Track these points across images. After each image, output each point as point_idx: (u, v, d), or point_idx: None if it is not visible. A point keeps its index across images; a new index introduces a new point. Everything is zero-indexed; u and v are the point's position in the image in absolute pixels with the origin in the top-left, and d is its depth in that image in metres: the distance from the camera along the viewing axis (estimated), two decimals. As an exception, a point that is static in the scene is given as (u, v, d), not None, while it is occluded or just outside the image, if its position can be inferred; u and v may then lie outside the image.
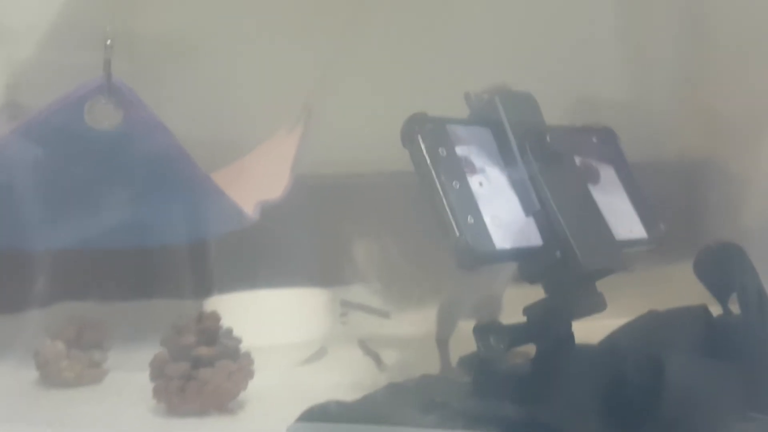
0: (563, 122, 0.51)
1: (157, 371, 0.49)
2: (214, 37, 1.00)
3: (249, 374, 0.50)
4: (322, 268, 0.94)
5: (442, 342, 0.61)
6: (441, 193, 0.39)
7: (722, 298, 0.46)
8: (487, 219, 0.40)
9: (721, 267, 0.47)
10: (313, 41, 1.00)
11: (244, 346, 0.53)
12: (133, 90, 0.56)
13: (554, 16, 0.93)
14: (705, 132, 0.93)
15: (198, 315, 0.49)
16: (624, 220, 0.46)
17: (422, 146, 0.40)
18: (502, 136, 0.43)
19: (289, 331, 0.67)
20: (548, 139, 0.42)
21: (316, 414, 0.41)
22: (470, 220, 0.39)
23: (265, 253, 0.91)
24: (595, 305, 0.43)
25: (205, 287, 0.75)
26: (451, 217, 0.38)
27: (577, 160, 0.46)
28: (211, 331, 0.48)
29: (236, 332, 0.58)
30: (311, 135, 0.94)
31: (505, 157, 0.43)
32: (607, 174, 0.49)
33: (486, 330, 0.40)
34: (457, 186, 0.40)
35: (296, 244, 0.98)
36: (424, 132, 0.40)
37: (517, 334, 0.41)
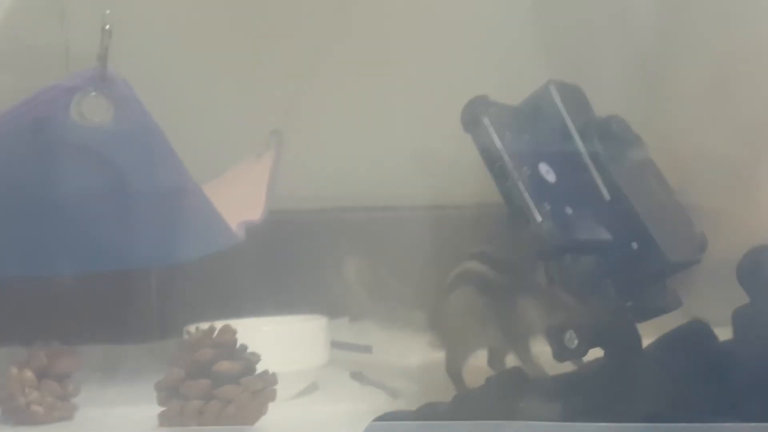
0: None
1: (170, 393, 0.41)
2: (178, 57, 0.96)
3: (271, 395, 0.44)
4: (306, 301, 0.89)
5: (455, 373, 0.56)
6: (516, 177, 0.36)
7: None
8: (560, 207, 0.37)
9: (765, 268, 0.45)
10: (281, 65, 0.97)
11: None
12: (129, 84, 0.50)
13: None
14: (669, 170, 0.94)
15: (209, 328, 0.43)
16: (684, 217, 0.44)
17: (490, 128, 0.37)
18: (559, 125, 0.41)
19: (275, 362, 0.61)
20: (614, 127, 0.40)
21: (391, 416, 0.36)
22: (547, 206, 0.36)
23: (244, 279, 0.85)
24: (670, 302, 0.40)
25: (184, 313, 0.68)
26: (530, 202, 0.35)
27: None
28: (229, 345, 0.42)
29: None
30: (284, 162, 0.91)
31: (566, 147, 0.40)
32: (648, 173, 0.47)
33: (560, 329, 0.37)
34: (529, 172, 0.37)
35: (274, 274, 0.92)
36: (491, 114, 0.37)
37: (592, 335, 0.37)
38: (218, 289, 0.85)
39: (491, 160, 0.36)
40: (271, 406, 0.50)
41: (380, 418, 0.37)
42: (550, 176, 0.38)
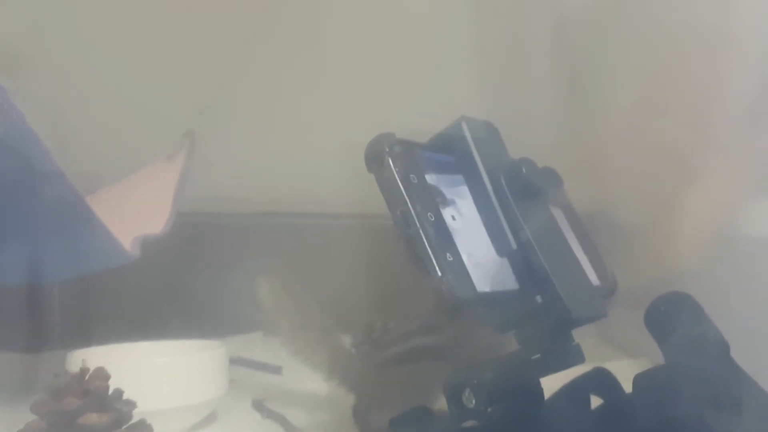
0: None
1: (28, 449, 0.37)
2: (82, 51, 0.90)
3: (148, 446, 0.40)
4: (207, 317, 0.84)
5: (360, 414, 0.54)
6: (418, 224, 0.33)
7: (671, 353, 0.44)
8: (464, 257, 0.34)
9: (673, 319, 0.45)
10: (199, 62, 0.92)
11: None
12: (7, 92, 0.45)
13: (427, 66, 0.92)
14: (592, 185, 0.95)
15: (80, 371, 0.38)
16: (585, 267, 0.43)
17: (394, 171, 0.34)
18: (469, 166, 0.39)
19: (170, 394, 0.56)
20: (524, 171, 0.38)
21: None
22: (449, 257, 0.33)
23: (139, 298, 0.80)
24: (573, 357, 0.38)
25: (68, 337, 0.63)
26: (431, 253, 0.33)
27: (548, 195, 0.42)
28: (99, 393, 0.37)
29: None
30: (194, 165, 0.86)
31: (475, 190, 0.38)
32: (560, 217, 0.46)
33: (457, 387, 0.35)
34: (432, 218, 0.34)
35: (174, 289, 0.87)
36: (394, 155, 0.35)
37: (492, 391, 0.35)
38: (118, 303, 0.80)
39: (393, 205, 0.34)
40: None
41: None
42: (457, 222, 0.36)
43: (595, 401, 0.45)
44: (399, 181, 0.34)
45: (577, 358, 0.38)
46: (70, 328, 0.69)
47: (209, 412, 0.60)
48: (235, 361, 0.79)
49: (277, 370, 0.79)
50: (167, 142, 0.89)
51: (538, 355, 0.37)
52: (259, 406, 0.64)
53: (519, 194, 0.37)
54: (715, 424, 0.36)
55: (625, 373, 0.45)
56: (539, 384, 0.38)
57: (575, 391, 0.44)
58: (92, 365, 0.51)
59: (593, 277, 0.43)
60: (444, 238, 0.34)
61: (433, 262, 0.32)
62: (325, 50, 0.92)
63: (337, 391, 0.64)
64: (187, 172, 0.85)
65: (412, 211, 0.33)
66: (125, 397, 0.40)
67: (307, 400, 0.67)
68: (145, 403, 0.51)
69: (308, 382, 0.73)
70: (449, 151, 0.39)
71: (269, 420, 0.60)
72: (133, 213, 0.74)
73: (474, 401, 0.34)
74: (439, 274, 0.32)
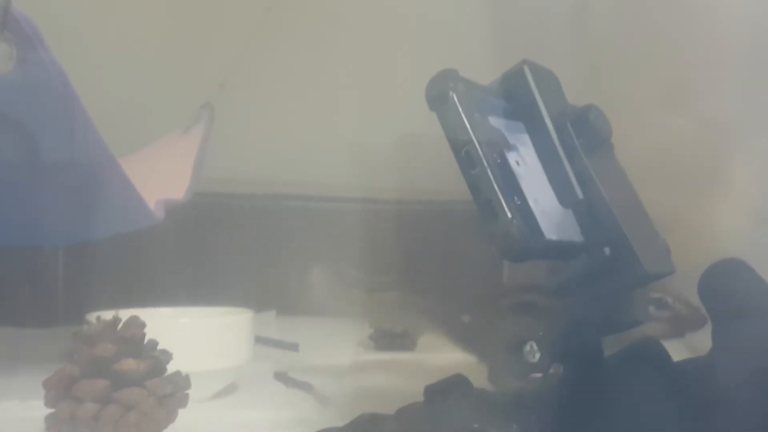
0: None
1: (61, 393, 0.34)
2: (104, 22, 0.88)
3: (182, 401, 0.38)
4: (230, 291, 0.83)
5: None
6: (485, 163, 0.31)
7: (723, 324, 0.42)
8: (531, 202, 0.32)
9: (729, 286, 0.42)
10: (216, 41, 0.90)
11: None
12: (35, 24, 0.42)
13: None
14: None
15: (113, 319, 0.36)
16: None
17: (459, 106, 0.32)
18: (531, 113, 0.36)
19: (194, 358, 0.54)
20: (593, 118, 0.35)
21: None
22: (517, 200, 0.31)
23: (163, 264, 0.78)
24: (639, 316, 0.36)
25: (87, 299, 0.60)
26: (499, 194, 0.30)
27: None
28: (135, 340, 0.35)
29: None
30: (214, 140, 0.84)
31: (537, 138, 0.36)
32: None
33: (519, 341, 0.32)
34: (498, 160, 0.32)
35: (196, 261, 0.86)
36: (459, 91, 0.32)
37: (556, 348, 0.33)
38: (133, 272, 0.78)
39: (458, 143, 0.31)
40: (181, 411, 0.44)
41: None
42: (521, 168, 0.34)
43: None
44: (465, 118, 0.31)
45: (643, 316, 0.36)
46: (86, 294, 0.67)
47: (231, 381, 0.58)
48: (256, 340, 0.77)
49: (293, 347, 0.77)
50: (186, 115, 0.87)
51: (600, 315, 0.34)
52: (282, 377, 0.62)
53: (586, 142, 0.35)
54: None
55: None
56: (600, 345, 0.35)
57: (626, 359, 0.42)
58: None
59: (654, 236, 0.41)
60: (511, 181, 0.32)
61: (502, 204, 0.30)
62: (349, 26, 0.90)
63: (359, 362, 0.62)
64: (207, 144, 0.83)
65: (479, 150, 0.31)
66: (165, 350, 0.38)
67: (329, 372, 0.66)
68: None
69: (326, 357, 0.71)
70: (509, 98, 0.37)
71: (295, 389, 0.58)
72: (155, 178, 0.72)
73: (538, 355, 0.32)
74: (509, 216, 0.30)
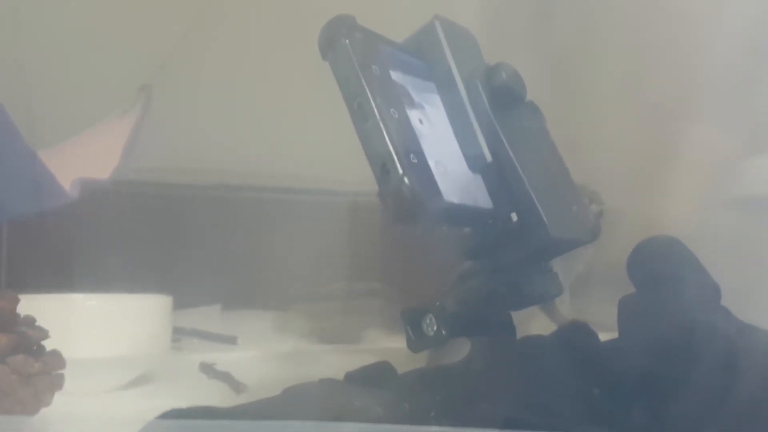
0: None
1: None
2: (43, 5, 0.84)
3: (57, 382, 0.34)
4: (157, 280, 0.80)
5: None
6: (378, 117, 0.28)
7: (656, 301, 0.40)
8: (431, 163, 0.30)
9: (659, 263, 0.40)
10: (155, 19, 0.87)
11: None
12: None
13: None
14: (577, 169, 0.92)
15: None
16: (573, 188, 0.38)
17: (352, 55, 0.29)
18: (442, 72, 0.34)
19: (104, 345, 0.51)
20: (504, 76, 0.33)
21: (179, 413, 0.28)
22: (413, 158, 0.28)
23: (80, 251, 0.74)
24: (551, 289, 0.33)
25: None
26: (391, 149, 0.28)
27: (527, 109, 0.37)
28: (5, 314, 0.32)
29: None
30: (150, 125, 0.81)
31: (447, 99, 0.33)
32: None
33: (418, 314, 0.30)
34: (396, 115, 0.29)
35: (121, 247, 0.82)
36: (354, 39, 0.30)
37: (456, 320, 0.30)
38: (57, 257, 0.74)
39: (350, 94, 0.29)
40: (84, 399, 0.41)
41: (164, 416, 0.29)
42: (424, 126, 0.31)
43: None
44: (357, 67, 0.29)
45: (555, 289, 0.34)
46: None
47: (144, 370, 0.54)
48: (186, 333, 0.74)
49: (232, 340, 0.74)
50: (125, 97, 0.84)
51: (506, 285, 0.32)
52: (206, 368, 0.59)
53: (497, 102, 0.33)
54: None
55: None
56: (510, 318, 0.33)
57: (551, 347, 0.39)
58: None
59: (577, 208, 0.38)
60: (408, 138, 0.29)
61: (393, 159, 0.27)
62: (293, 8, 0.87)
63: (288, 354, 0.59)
64: (141, 126, 0.80)
65: (372, 102, 0.28)
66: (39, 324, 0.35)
67: (261, 364, 0.63)
68: (71, 350, 0.46)
69: (265, 350, 0.68)
70: (421, 56, 0.34)
71: (215, 381, 0.55)
72: (81, 158, 0.69)
73: (435, 327, 0.29)
74: (401, 172, 0.27)
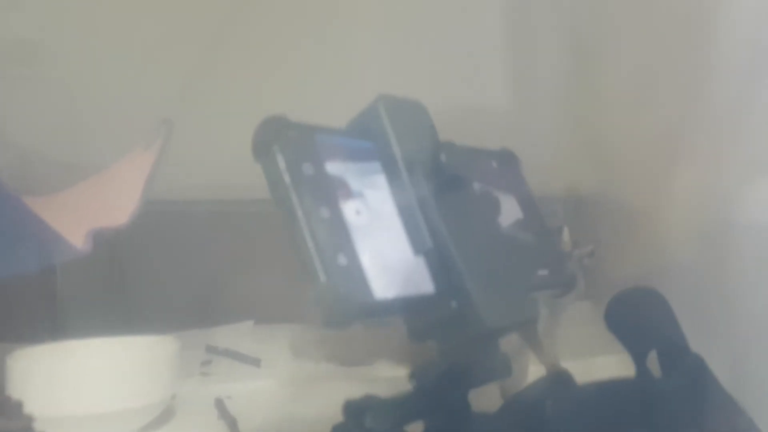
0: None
1: None
2: (69, 45, 0.88)
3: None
4: (180, 309, 0.82)
5: None
6: (303, 223, 0.29)
7: (639, 355, 0.39)
8: (364, 259, 0.30)
9: (638, 318, 0.40)
10: (174, 54, 0.89)
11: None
12: None
13: (441, 31, 0.88)
14: (594, 166, 0.90)
15: None
16: (529, 260, 0.38)
17: (279, 160, 0.30)
18: (387, 153, 0.34)
19: (126, 394, 0.53)
20: (443, 158, 0.33)
21: None
22: (342, 260, 0.29)
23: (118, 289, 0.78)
24: (498, 369, 0.34)
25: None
26: (315, 255, 0.28)
27: (476, 186, 0.38)
28: None
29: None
30: (169, 153, 0.83)
31: (390, 180, 0.34)
32: (509, 204, 0.41)
33: (360, 408, 0.31)
34: (327, 215, 0.30)
35: (145, 278, 0.86)
36: (284, 142, 0.30)
37: (402, 409, 0.31)
38: (65, 301, 0.77)
39: (279, 201, 0.29)
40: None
41: None
42: (362, 217, 0.31)
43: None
44: (284, 174, 0.29)
45: (503, 371, 0.34)
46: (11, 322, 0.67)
47: (163, 410, 0.57)
48: (212, 351, 0.77)
49: (255, 362, 0.77)
50: (148, 129, 0.87)
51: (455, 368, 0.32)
52: (219, 405, 0.61)
53: (438, 184, 0.33)
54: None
55: (612, 369, 0.41)
56: (464, 398, 0.33)
57: (529, 398, 0.40)
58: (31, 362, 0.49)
59: (540, 272, 0.38)
60: (338, 238, 0.30)
61: (316, 267, 0.28)
62: (311, 34, 0.88)
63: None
64: (159, 163, 0.83)
65: (298, 208, 0.29)
66: (27, 410, 0.37)
67: (270, 398, 0.65)
68: (77, 406, 0.49)
69: (285, 378, 0.70)
70: (368, 136, 0.35)
71: (221, 421, 0.57)
72: (97, 207, 0.72)
73: (382, 423, 0.30)
74: (323, 279, 0.28)
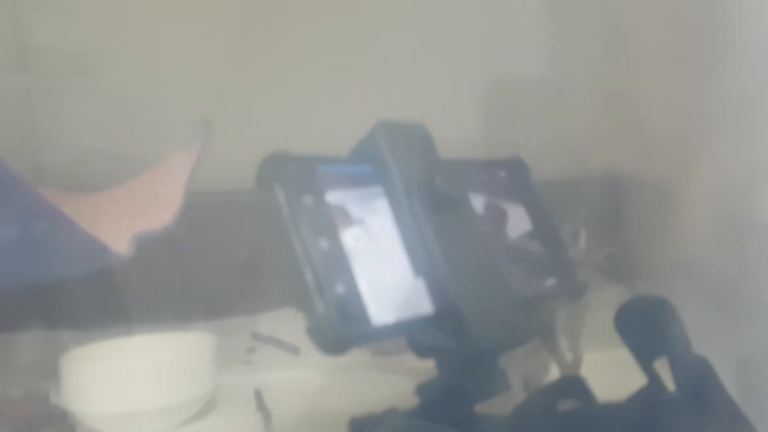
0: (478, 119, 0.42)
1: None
2: (114, 50, 0.91)
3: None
4: (223, 298, 0.85)
5: None
6: (302, 255, 0.31)
7: (647, 364, 0.40)
8: (362, 286, 0.32)
9: (646, 326, 0.40)
10: (213, 54, 0.92)
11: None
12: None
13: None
14: (630, 147, 0.89)
15: (25, 394, 0.39)
16: (535, 270, 0.39)
17: (279, 195, 0.31)
18: (387, 177, 0.35)
19: (172, 390, 0.57)
20: (438, 182, 0.34)
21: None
22: (340, 289, 0.31)
23: (139, 289, 0.81)
24: (496, 386, 0.35)
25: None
26: (313, 286, 0.30)
27: (481, 200, 0.39)
28: (32, 420, 0.38)
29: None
30: (209, 149, 0.86)
31: (393, 203, 0.35)
32: (517, 214, 0.42)
33: (362, 425, 0.32)
34: (325, 245, 0.31)
35: (191, 266, 0.88)
36: (285, 177, 0.32)
37: (405, 425, 0.33)
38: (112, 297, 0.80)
39: (277, 233, 0.31)
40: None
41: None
42: (361, 244, 0.33)
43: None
44: (284, 207, 0.31)
45: (501, 388, 0.35)
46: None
47: (206, 402, 0.60)
48: (262, 339, 0.80)
49: (295, 350, 0.79)
50: (187, 127, 0.90)
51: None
52: (258, 396, 0.64)
53: (437, 206, 0.34)
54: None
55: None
56: (468, 412, 0.35)
57: (541, 399, 0.41)
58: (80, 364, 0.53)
59: (547, 281, 0.39)
60: (336, 268, 0.31)
61: (313, 297, 0.30)
62: (350, 28, 0.89)
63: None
64: (198, 162, 0.85)
65: (296, 240, 0.31)
66: (71, 420, 0.40)
67: (311, 392, 0.67)
68: (124, 404, 0.53)
69: (321, 367, 0.73)
70: (369, 160, 0.36)
71: (258, 414, 0.60)
72: (142, 207, 0.75)
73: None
74: (320, 310, 0.30)
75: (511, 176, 0.43)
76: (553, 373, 0.48)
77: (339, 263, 0.31)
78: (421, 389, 0.34)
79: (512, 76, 0.89)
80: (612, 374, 0.43)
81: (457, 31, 0.89)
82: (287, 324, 0.85)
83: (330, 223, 0.32)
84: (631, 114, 0.85)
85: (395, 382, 0.65)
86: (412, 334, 0.33)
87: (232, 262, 0.90)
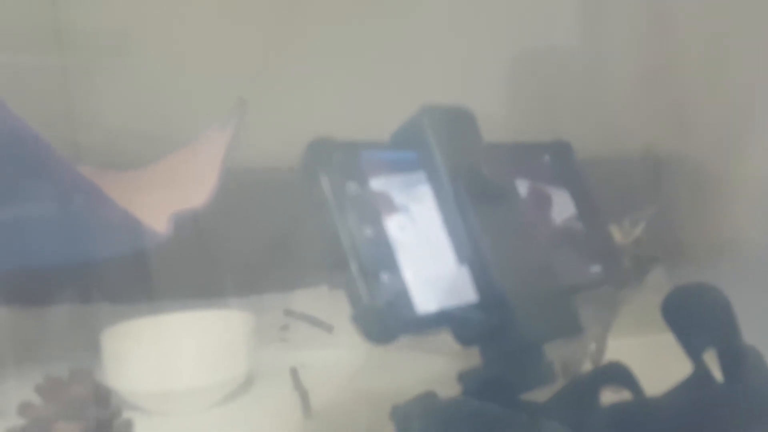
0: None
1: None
2: (150, 29, 0.91)
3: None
4: (256, 275, 0.86)
5: None
6: (347, 244, 0.30)
7: (696, 354, 0.39)
8: (408, 275, 0.31)
9: (694, 315, 0.39)
10: (249, 35, 0.91)
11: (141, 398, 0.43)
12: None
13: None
14: (672, 127, 0.87)
15: (70, 373, 0.40)
16: (579, 257, 0.38)
17: (324, 183, 0.31)
18: (431, 162, 0.35)
19: (210, 368, 0.57)
20: (484, 169, 0.33)
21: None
22: (384, 278, 0.30)
23: (177, 267, 0.82)
24: (541, 377, 0.35)
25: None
26: (358, 275, 0.30)
27: (525, 185, 0.38)
28: (79, 400, 0.38)
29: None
30: (244, 129, 0.86)
31: (437, 189, 0.34)
32: (561, 199, 0.41)
33: (407, 412, 0.32)
34: (370, 233, 0.31)
35: (225, 243, 0.89)
36: (330, 164, 0.32)
37: (450, 414, 0.33)
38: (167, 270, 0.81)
39: (322, 222, 0.31)
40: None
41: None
42: (406, 232, 0.32)
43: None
44: (329, 196, 0.31)
45: (546, 378, 0.34)
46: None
47: (243, 381, 0.61)
48: (296, 316, 0.80)
49: (328, 328, 0.79)
50: (221, 109, 0.90)
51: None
52: (294, 374, 0.64)
53: (480, 194, 0.33)
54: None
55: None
56: (512, 402, 0.34)
57: (583, 386, 0.40)
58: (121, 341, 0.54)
59: (591, 268, 0.39)
60: (381, 256, 0.31)
61: (360, 288, 0.30)
62: (384, 11, 0.88)
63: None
64: (234, 143, 0.85)
65: (342, 229, 0.30)
66: (115, 401, 0.41)
67: (345, 368, 0.68)
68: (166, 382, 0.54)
69: (354, 345, 0.73)
70: (412, 145, 0.35)
71: (296, 393, 0.61)
72: (177, 188, 0.75)
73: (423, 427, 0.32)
74: (366, 300, 0.29)
75: (555, 160, 0.42)
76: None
77: (384, 251, 0.31)
78: (464, 377, 0.34)
79: (548, 54, 0.88)
80: (651, 361, 0.43)
81: (491, 8, 0.87)
82: (320, 301, 0.86)
83: (374, 210, 0.32)
84: (673, 92, 0.83)
85: (432, 363, 0.65)
86: (457, 323, 0.33)
87: (265, 239, 0.90)
